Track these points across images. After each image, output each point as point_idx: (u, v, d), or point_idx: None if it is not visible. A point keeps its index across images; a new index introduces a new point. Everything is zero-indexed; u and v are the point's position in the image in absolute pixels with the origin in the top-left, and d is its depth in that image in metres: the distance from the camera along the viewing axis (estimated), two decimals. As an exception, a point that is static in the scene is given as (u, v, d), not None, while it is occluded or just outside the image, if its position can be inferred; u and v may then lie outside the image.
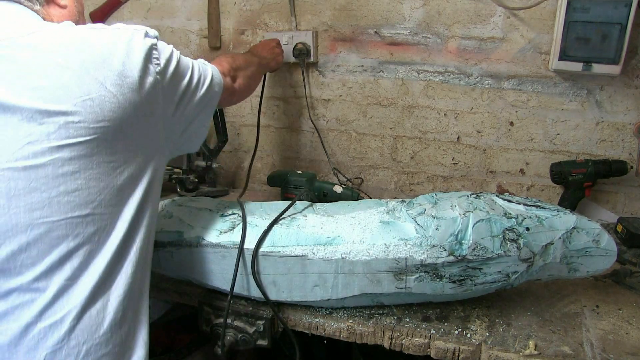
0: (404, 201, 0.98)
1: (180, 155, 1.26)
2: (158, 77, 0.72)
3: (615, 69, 1.21)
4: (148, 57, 0.71)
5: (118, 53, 0.68)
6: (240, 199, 1.09)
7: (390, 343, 0.88)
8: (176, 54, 0.79)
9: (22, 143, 0.62)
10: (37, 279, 0.64)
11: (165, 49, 0.76)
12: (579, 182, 1.28)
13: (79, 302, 0.65)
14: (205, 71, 0.86)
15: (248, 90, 1.11)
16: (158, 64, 0.73)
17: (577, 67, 1.24)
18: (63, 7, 0.83)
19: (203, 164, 1.57)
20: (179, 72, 0.78)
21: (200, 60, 0.89)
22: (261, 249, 0.88)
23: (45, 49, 0.65)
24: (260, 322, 0.92)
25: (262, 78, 1.45)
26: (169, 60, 0.76)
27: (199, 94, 0.83)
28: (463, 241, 0.85)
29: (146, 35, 0.73)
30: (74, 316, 0.65)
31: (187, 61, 0.82)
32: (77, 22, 0.83)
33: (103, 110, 0.65)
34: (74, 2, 0.85)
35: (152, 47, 0.72)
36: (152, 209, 0.75)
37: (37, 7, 0.77)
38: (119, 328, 0.69)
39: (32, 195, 0.63)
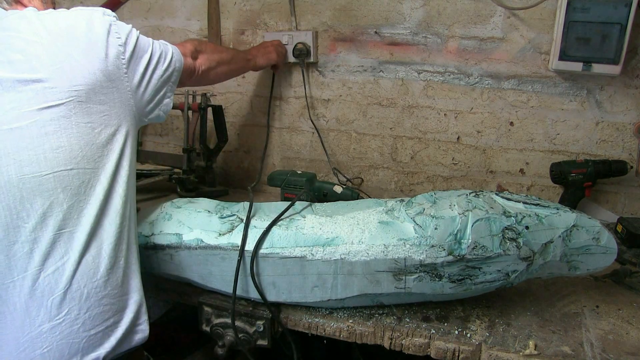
0: (403, 200, 0.98)
1: (173, 154, 1.44)
2: (120, 48, 0.81)
3: (615, 69, 1.21)
4: (108, 31, 0.80)
5: (80, 27, 0.77)
6: (240, 199, 1.09)
7: (390, 343, 0.88)
8: (135, 31, 0.86)
9: (7, 109, 0.71)
10: (33, 229, 0.72)
11: (124, 26, 0.84)
12: (579, 182, 1.28)
13: (76, 249, 0.74)
14: (165, 48, 0.94)
15: (213, 72, 1.17)
16: (119, 37, 0.81)
17: (577, 67, 1.24)
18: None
19: (203, 164, 1.57)
20: (140, 46, 0.86)
21: (161, 40, 0.96)
22: (260, 251, 0.88)
23: (15, 29, 0.74)
24: (260, 322, 0.92)
25: (270, 82, 1.48)
26: (128, 35, 0.83)
27: (161, 68, 0.91)
28: (462, 240, 0.85)
29: (104, 14, 0.82)
30: (73, 262, 0.74)
31: (146, 39, 0.90)
32: None
33: (75, 77, 0.74)
34: (42, 5, 0.90)
35: (111, 23, 0.81)
36: (129, 167, 0.83)
37: (5, 5, 0.85)
38: (114, 273, 0.79)
39: (21, 153, 0.71)
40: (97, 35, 0.78)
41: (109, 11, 0.83)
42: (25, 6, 0.87)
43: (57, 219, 0.73)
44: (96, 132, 0.77)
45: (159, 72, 0.90)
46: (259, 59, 1.40)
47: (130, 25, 0.86)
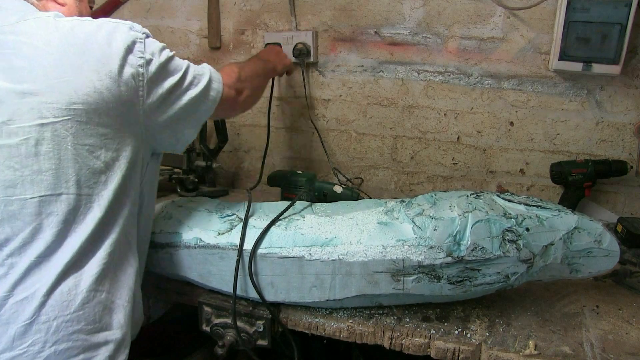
0: (403, 201, 0.98)
1: (173, 154, 1.32)
2: (140, 69, 0.73)
3: (615, 69, 1.21)
4: (129, 49, 0.73)
5: (98, 41, 0.70)
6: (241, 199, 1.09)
7: (390, 343, 0.88)
8: (167, 52, 0.79)
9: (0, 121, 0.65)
10: (11, 254, 0.67)
11: (153, 45, 0.76)
12: (579, 182, 1.28)
13: (50, 278, 0.67)
14: (201, 76, 0.84)
15: (252, 103, 1.06)
16: (142, 57, 0.74)
17: (577, 67, 1.23)
18: (62, 4, 0.83)
19: (203, 164, 1.57)
20: (168, 68, 0.78)
21: (205, 65, 0.88)
22: (259, 250, 0.88)
23: (28, 34, 0.68)
24: (260, 322, 0.92)
25: (271, 83, 1.46)
26: (155, 54, 0.76)
27: (189, 96, 0.81)
28: (461, 242, 0.85)
29: (131, 29, 0.74)
30: (45, 292, 0.67)
31: (181, 62, 0.82)
32: None
33: (77, 93, 0.67)
34: (76, 1, 0.85)
35: (136, 40, 0.74)
36: (138, 204, 0.77)
37: (35, 0, 0.78)
38: (91, 307, 0.71)
39: (6, 172, 0.66)
40: (115, 51, 0.71)
41: (138, 26, 0.76)
42: (60, 5, 0.82)
43: (37, 246, 0.67)
44: (94, 156, 0.70)
45: (185, 99, 0.80)
46: (278, 65, 1.28)
47: (161, 45, 0.78)
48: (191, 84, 0.82)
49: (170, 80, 0.79)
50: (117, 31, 0.73)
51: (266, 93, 1.59)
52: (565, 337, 0.85)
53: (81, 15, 0.86)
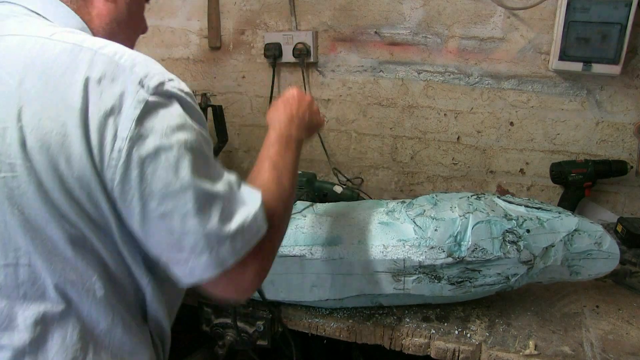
0: (404, 202, 0.98)
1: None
2: (115, 155, 0.51)
3: (615, 69, 1.21)
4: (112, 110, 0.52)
5: (80, 93, 0.51)
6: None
7: (390, 343, 0.88)
8: (189, 134, 0.54)
9: None
10: None
11: (170, 116, 0.54)
12: (579, 182, 1.28)
13: None
14: (233, 200, 0.57)
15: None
16: (126, 129, 0.51)
17: (577, 67, 1.23)
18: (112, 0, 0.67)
19: (203, 164, 1.56)
20: (167, 161, 0.52)
21: (233, 178, 0.60)
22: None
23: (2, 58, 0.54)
24: (260, 322, 0.92)
25: (271, 82, 1.38)
26: (163, 133, 0.53)
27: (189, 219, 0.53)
28: (462, 242, 0.85)
29: (141, 84, 0.53)
30: None
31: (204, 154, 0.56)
32: (120, 25, 0.68)
33: (11, 147, 0.51)
34: (107, 20, 0.66)
35: (147, 109, 0.52)
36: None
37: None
38: None
39: None
40: (97, 115, 0.51)
41: (152, 80, 0.54)
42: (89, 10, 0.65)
43: None
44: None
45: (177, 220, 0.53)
46: (308, 134, 0.85)
47: (183, 118, 0.55)
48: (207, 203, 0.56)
49: (165, 178, 0.55)
50: (126, 93, 0.54)
51: (266, 93, 1.59)
52: (565, 337, 0.85)
53: (132, 14, 0.70)
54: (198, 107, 0.60)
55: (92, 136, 0.52)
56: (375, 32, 1.46)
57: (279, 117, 0.80)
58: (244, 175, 0.65)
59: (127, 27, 0.69)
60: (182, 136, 0.54)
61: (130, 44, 0.72)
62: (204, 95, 1.54)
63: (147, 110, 0.52)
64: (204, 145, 0.57)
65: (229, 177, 0.59)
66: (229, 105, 1.70)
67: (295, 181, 0.73)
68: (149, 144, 0.52)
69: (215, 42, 1.63)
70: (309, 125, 0.84)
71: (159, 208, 0.53)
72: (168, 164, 0.52)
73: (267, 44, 1.53)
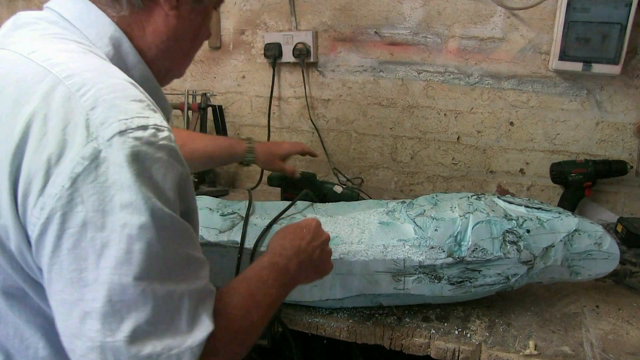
0: (404, 202, 0.98)
1: None
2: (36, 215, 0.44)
3: (615, 69, 1.21)
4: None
5: (22, 129, 0.45)
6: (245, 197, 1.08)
7: (390, 343, 0.88)
8: (137, 217, 0.44)
9: None
10: None
11: (117, 187, 0.44)
12: (579, 182, 1.28)
13: None
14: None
15: None
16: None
17: (577, 67, 1.23)
18: (172, 11, 0.57)
19: (203, 164, 1.56)
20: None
21: (196, 286, 0.49)
22: (260, 249, 0.88)
23: None
24: (260, 322, 0.92)
25: (271, 82, 1.36)
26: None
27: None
28: (462, 243, 0.85)
29: (92, 134, 0.44)
30: None
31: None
32: (179, 41, 0.59)
33: None
34: (191, 13, 0.58)
35: (90, 170, 0.43)
36: None
37: (123, 12, 0.55)
38: None
39: None
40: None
41: (147, 132, 0.46)
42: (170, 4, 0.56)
43: None
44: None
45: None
46: (298, 274, 0.68)
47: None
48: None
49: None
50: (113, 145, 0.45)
51: (266, 93, 1.59)
52: (565, 337, 0.85)
53: (193, 38, 0.62)
54: (179, 166, 0.48)
55: (21, 182, 0.44)
56: (375, 32, 1.46)
57: (284, 243, 0.68)
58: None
59: (186, 41, 0.61)
60: (125, 218, 0.43)
61: (187, 59, 0.65)
62: (203, 95, 1.54)
63: (90, 171, 0.43)
64: (159, 233, 0.44)
65: (191, 284, 0.47)
66: (229, 105, 1.70)
67: (268, 319, 0.60)
68: (77, 214, 0.42)
69: (215, 42, 1.63)
70: (314, 268, 0.71)
71: (62, 294, 0.44)
72: (92, 247, 0.43)
73: (267, 44, 1.54)
